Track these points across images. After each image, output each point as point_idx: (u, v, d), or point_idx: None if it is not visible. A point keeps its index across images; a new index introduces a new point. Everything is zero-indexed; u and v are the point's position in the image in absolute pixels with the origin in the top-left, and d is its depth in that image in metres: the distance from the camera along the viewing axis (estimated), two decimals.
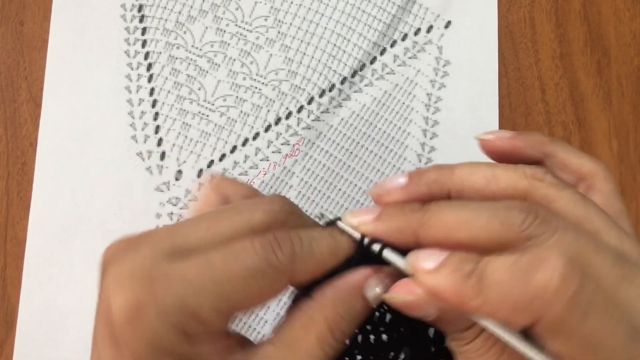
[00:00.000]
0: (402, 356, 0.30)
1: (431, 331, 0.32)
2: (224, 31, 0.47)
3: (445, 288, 0.23)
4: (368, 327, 0.29)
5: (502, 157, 0.30)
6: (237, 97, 0.46)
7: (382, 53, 0.46)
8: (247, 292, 0.23)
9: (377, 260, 0.27)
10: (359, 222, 0.26)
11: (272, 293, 0.24)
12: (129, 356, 0.22)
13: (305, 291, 0.26)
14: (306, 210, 0.45)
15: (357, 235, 0.26)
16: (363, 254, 0.26)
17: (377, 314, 0.29)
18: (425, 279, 0.23)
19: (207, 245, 0.24)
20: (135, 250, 0.24)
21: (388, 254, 0.26)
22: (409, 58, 0.46)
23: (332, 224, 0.27)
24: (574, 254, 0.21)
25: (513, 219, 0.23)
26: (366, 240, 0.26)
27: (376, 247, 0.26)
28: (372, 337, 0.29)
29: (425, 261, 0.24)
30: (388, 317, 0.29)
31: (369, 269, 0.26)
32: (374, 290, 0.25)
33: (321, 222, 0.28)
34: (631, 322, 0.21)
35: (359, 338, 0.29)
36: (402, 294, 0.24)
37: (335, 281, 0.25)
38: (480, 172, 0.26)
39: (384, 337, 0.29)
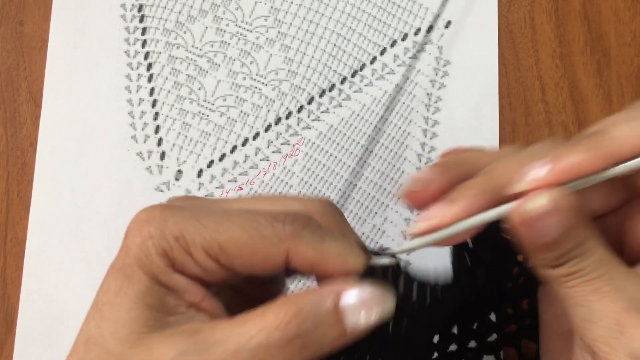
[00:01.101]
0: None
1: (435, 339, 0.32)
2: (224, 31, 0.47)
3: (579, 156, 0.23)
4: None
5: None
6: (237, 97, 0.46)
7: (382, 53, 0.46)
8: (240, 243, 0.24)
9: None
10: (434, 219, 0.25)
11: (265, 259, 0.24)
12: (120, 258, 0.24)
13: None
14: None
15: (434, 238, 0.24)
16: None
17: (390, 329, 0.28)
18: (557, 167, 0.23)
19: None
20: (162, 211, 0.25)
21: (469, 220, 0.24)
22: (409, 58, 0.46)
23: (377, 253, 0.26)
24: None
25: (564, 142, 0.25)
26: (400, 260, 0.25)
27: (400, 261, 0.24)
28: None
29: (541, 165, 0.23)
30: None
31: (352, 282, 0.24)
32: (351, 304, 0.24)
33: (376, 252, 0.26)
34: None
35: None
36: (536, 198, 0.23)
37: (309, 291, 0.24)
38: (490, 152, 0.27)
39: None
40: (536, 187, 0.23)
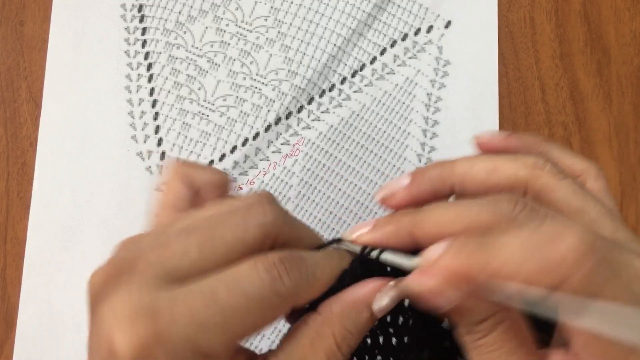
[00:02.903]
0: (423, 357, 0.30)
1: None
2: (224, 31, 0.47)
3: (461, 261, 0.23)
4: (390, 329, 0.29)
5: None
6: (237, 97, 0.46)
7: (382, 53, 0.46)
8: (253, 321, 0.23)
9: (378, 273, 0.27)
10: (356, 235, 0.26)
11: (276, 317, 0.24)
12: None
13: (311, 305, 0.26)
14: (306, 211, 0.45)
15: (357, 249, 0.26)
16: (364, 268, 0.26)
17: (400, 318, 0.29)
18: (441, 262, 0.23)
19: (203, 269, 0.23)
20: (127, 280, 0.22)
21: (388, 255, 0.26)
22: (409, 58, 0.46)
23: (332, 243, 0.27)
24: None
25: (502, 209, 0.24)
26: (367, 251, 0.26)
27: (375, 253, 0.26)
28: (394, 339, 0.29)
29: (436, 249, 0.24)
30: (410, 321, 0.29)
31: (375, 282, 0.25)
32: (381, 302, 0.25)
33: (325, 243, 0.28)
34: (637, 297, 0.22)
35: (381, 339, 0.29)
36: (419, 280, 0.24)
37: (342, 295, 0.25)
38: (481, 164, 0.27)
39: (405, 339, 0.29)
40: (427, 268, 0.24)
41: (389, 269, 0.27)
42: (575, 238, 0.21)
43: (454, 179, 0.27)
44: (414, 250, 0.26)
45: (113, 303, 0.22)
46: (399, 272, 0.27)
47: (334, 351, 0.24)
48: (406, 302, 0.29)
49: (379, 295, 0.25)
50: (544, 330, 0.28)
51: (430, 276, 0.23)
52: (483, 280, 0.22)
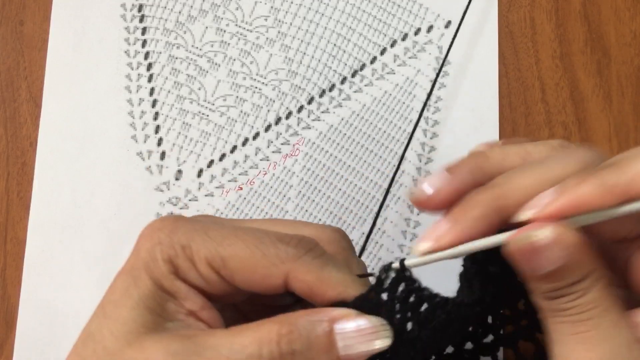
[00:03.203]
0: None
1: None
2: (224, 31, 0.47)
3: (586, 190, 0.22)
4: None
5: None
6: (237, 97, 0.46)
7: (382, 53, 0.46)
8: (242, 260, 0.24)
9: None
10: (435, 241, 0.24)
11: (264, 278, 0.25)
12: (129, 262, 0.25)
13: None
14: (306, 211, 0.45)
15: (432, 258, 0.24)
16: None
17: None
18: (560, 202, 0.22)
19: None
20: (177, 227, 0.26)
21: (463, 247, 0.24)
22: (409, 58, 0.46)
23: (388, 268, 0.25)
24: None
25: (581, 155, 0.24)
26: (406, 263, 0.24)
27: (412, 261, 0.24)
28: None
29: (545, 197, 0.23)
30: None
31: (349, 311, 0.24)
32: (345, 332, 0.23)
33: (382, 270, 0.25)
34: None
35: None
36: (533, 232, 0.22)
37: (309, 311, 0.24)
38: (513, 151, 0.26)
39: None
40: (541, 218, 0.23)
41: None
42: None
43: (492, 169, 0.26)
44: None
45: (154, 222, 0.26)
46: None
47: (271, 337, 0.23)
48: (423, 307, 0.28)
49: (346, 331, 0.24)
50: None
51: (545, 223, 0.22)
52: (620, 195, 0.22)
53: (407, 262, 0.25)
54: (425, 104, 0.41)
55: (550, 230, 0.22)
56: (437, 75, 0.43)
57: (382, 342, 0.24)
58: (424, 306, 0.25)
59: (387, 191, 0.40)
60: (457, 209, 0.25)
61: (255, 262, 0.24)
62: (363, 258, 0.43)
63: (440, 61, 0.46)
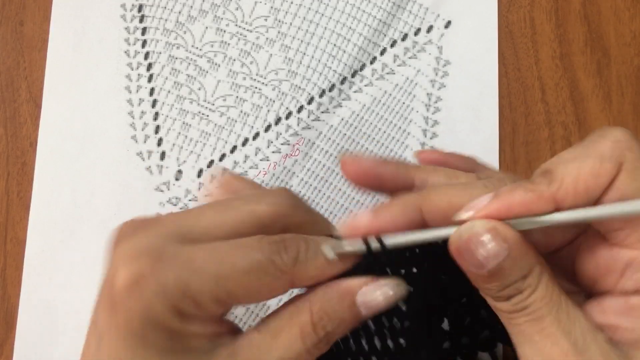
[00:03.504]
0: (421, 358, 0.30)
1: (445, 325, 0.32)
2: (224, 31, 0.47)
3: (517, 198, 0.23)
4: (386, 332, 0.29)
5: (437, 165, 0.31)
6: (237, 97, 0.46)
7: (382, 53, 0.46)
8: (247, 286, 0.24)
9: (383, 270, 0.27)
10: (354, 226, 0.26)
11: (271, 291, 0.25)
12: (122, 322, 0.23)
13: None
14: None
15: (361, 247, 0.26)
16: (370, 263, 0.26)
17: (395, 320, 0.29)
18: (492, 207, 0.23)
19: (214, 234, 0.25)
20: (145, 230, 0.24)
21: (403, 237, 0.25)
22: (409, 58, 0.46)
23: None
24: None
25: (506, 181, 0.25)
26: (372, 244, 0.25)
27: (381, 242, 0.25)
28: (390, 342, 0.29)
29: (481, 201, 0.24)
30: (406, 323, 0.29)
31: (366, 278, 0.26)
32: (367, 296, 0.25)
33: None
34: None
35: (377, 344, 0.29)
36: (470, 226, 0.23)
37: (330, 282, 0.25)
38: (443, 171, 0.28)
39: (402, 341, 0.29)
40: (477, 218, 0.24)
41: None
42: (618, 129, 0.23)
43: (419, 175, 0.28)
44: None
45: (125, 244, 0.24)
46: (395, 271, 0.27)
47: (308, 330, 0.24)
48: (403, 307, 0.29)
49: (365, 289, 0.25)
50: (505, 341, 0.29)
51: (484, 216, 0.23)
52: (545, 204, 0.22)
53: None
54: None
55: (487, 222, 0.23)
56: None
57: (396, 290, 0.25)
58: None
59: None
60: (384, 204, 0.26)
61: (259, 283, 0.24)
62: None
63: (441, 61, 0.46)
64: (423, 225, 0.25)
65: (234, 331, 0.26)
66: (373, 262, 0.26)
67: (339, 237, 0.27)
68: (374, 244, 0.25)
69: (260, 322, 0.25)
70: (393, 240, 0.25)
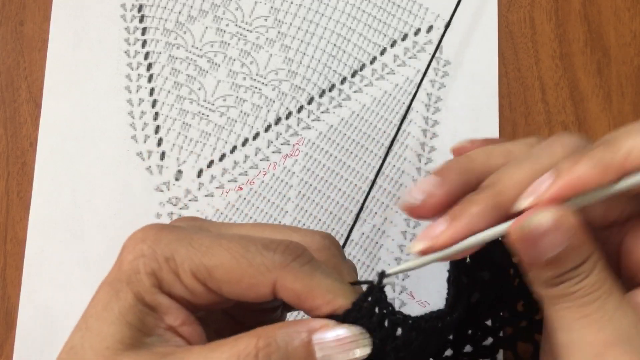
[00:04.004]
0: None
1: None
2: (224, 31, 0.47)
3: (583, 169, 0.22)
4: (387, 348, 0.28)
5: None
6: (237, 97, 0.46)
7: (382, 53, 0.46)
8: (228, 270, 0.24)
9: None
10: (431, 240, 0.24)
11: (252, 287, 0.24)
12: (110, 278, 0.25)
13: None
14: (306, 211, 0.45)
15: (432, 259, 0.24)
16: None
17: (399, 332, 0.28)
18: (558, 184, 0.22)
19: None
20: (163, 235, 0.26)
21: (461, 244, 0.23)
22: (409, 58, 0.46)
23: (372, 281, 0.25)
24: None
25: (571, 142, 0.24)
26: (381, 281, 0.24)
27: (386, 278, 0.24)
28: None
29: (543, 182, 0.23)
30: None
31: (329, 321, 0.24)
32: (325, 345, 0.23)
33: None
34: None
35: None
36: (535, 217, 0.22)
37: (286, 323, 0.24)
38: (496, 151, 0.26)
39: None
40: (541, 204, 0.23)
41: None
42: None
43: (478, 169, 0.26)
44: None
45: (136, 232, 0.26)
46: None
47: (250, 351, 0.23)
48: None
49: (324, 335, 0.23)
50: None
51: (547, 205, 0.22)
52: (617, 171, 0.21)
53: (392, 270, 0.24)
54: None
55: (551, 214, 0.22)
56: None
57: (361, 351, 0.23)
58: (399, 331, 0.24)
59: (367, 194, 0.41)
60: (455, 208, 0.24)
61: (241, 271, 0.23)
62: (357, 256, 0.43)
63: (441, 61, 0.46)
64: (507, 218, 0.24)
65: (193, 342, 0.25)
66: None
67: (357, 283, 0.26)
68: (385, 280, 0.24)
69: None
70: (452, 248, 0.24)
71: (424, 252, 0.24)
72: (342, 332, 0.23)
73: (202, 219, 0.29)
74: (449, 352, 0.32)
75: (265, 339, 0.23)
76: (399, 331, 0.24)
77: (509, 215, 0.24)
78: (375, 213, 0.44)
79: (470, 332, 0.32)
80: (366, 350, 0.23)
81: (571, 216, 0.22)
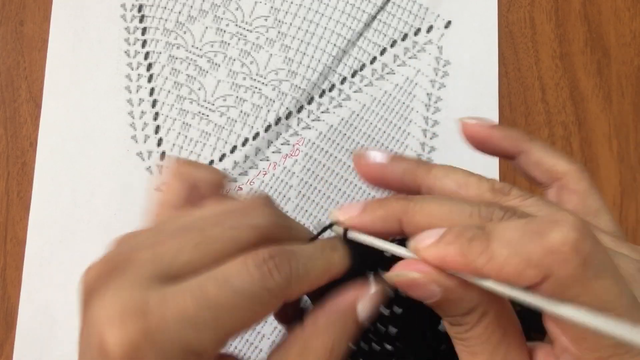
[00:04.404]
0: None
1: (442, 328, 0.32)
2: (224, 31, 0.47)
3: (450, 253, 0.22)
4: (372, 336, 0.29)
5: (479, 143, 0.31)
6: (237, 97, 0.46)
7: (382, 53, 0.46)
8: (243, 317, 0.23)
9: (373, 268, 0.27)
10: (345, 218, 0.26)
11: (267, 313, 0.24)
12: None
13: (311, 298, 0.26)
14: (306, 211, 0.45)
15: (341, 231, 0.26)
16: (359, 263, 0.26)
17: (381, 326, 0.29)
18: (429, 252, 0.23)
19: (196, 268, 0.23)
20: (120, 278, 0.23)
21: (374, 240, 0.26)
22: (409, 58, 0.46)
23: (326, 229, 0.27)
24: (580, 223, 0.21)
25: (495, 214, 0.24)
26: (349, 234, 0.26)
27: (355, 235, 0.26)
28: (388, 346, 0.29)
29: (427, 238, 0.23)
30: (393, 330, 0.29)
31: (356, 289, 0.26)
32: (365, 310, 0.25)
33: (316, 229, 0.28)
34: (630, 290, 0.22)
35: (364, 346, 0.29)
36: (406, 272, 0.24)
37: (327, 306, 0.25)
38: (455, 176, 0.27)
39: (389, 347, 0.29)
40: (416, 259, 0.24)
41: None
42: (572, 225, 0.21)
43: (425, 180, 0.27)
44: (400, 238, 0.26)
45: (104, 301, 0.22)
46: (386, 264, 0.27)
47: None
48: (399, 311, 0.29)
49: (362, 303, 0.25)
50: (538, 329, 0.28)
51: (416, 268, 0.23)
52: (473, 272, 0.22)
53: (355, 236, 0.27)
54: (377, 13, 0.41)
55: (419, 275, 0.23)
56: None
57: (384, 295, 0.26)
58: None
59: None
60: (373, 202, 0.26)
61: (256, 314, 0.23)
62: None
63: (441, 61, 0.46)
64: (402, 234, 0.25)
65: None
66: (360, 266, 0.26)
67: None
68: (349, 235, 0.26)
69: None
70: (358, 237, 0.26)
71: (336, 223, 0.26)
72: (375, 296, 0.26)
73: (113, 260, 0.25)
74: (444, 347, 0.32)
75: (328, 343, 0.24)
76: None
77: (403, 234, 0.25)
78: None
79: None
80: (388, 293, 0.26)
81: (445, 277, 0.23)
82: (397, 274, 0.24)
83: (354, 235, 0.26)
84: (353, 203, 0.27)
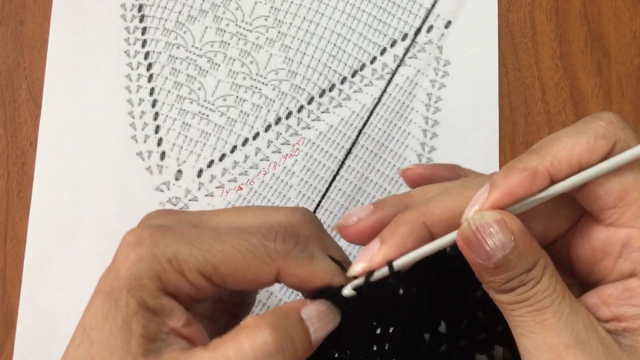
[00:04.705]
0: None
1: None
2: (224, 31, 0.47)
3: (513, 180, 0.23)
4: (383, 336, 0.29)
5: (424, 180, 0.32)
6: (237, 97, 0.46)
7: (382, 53, 0.46)
8: (234, 264, 0.24)
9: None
10: (368, 262, 0.26)
11: (258, 277, 0.25)
12: (108, 285, 0.25)
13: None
14: None
15: (386, 271, 0.26)
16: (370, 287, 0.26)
17: (393, 324, 0.29)
18: (494, 195, 0.23)
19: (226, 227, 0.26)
20: (165, 215, 0.27)
21: (416, 253, 0.25)
22: (409, 58, 0.46)
23: (368, 282, 0.27)
24: None
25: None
26: (395, 265, 0.26)
27: (402, 262, 0.26)
28: (387, 346, 0.30)
29: (481, 195, 0.24)
30: (394, 331, 0.29)
31: (306, 300, 0.26)
32: (310, 314, 0.25)
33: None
34: None
35: (364, 347, 0.29)
36: (482, 215, 0.23)
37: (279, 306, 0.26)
38: (434, 188, 0.28)
39: (398, 345, 0.30)
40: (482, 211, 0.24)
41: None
42: (610, 114, 0.24)
43: (411, 205, 0.28)
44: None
45: (140, 223, 0.26)
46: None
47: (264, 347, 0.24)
48: (399, 311, 0.29)
49: (306, 309, 0.25)
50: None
51: (489, 208, 0.23)
52: (544, 181, 0.23)
53: (347, 290, 0.27)
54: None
55: (495, 213, 0.23)
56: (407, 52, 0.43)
57: (334, 322, 0.26)
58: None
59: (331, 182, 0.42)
60: (385, 229, 0.26)
61: (247, 264, 0.24)
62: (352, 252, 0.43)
63: (441, 61, 0.46)
64: (432, 238, 0.26)
65: (196, 341, 0.25)
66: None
67: (340, 263, 0.27)
68: (383, 271, 0.26)
69: (213, 340, 0.25)
70: (402, 260, 0.25)
71: (361, 274, 0.26)
72: (322, 307, 0.26)
73: (178, 211, 0.29)
74: (444, 348, 0.32)
75: (271, 327, 0.24)
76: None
77: (435, 236, 0.26)
78: None
79: (464, 325, 0.32)
80: (336, 321, 0.26)
81: (514, 218, 0.24)
82: (470, 220, 0.24)
83: (401, 262, 0.25)
84: (363, 249, 0.26)
